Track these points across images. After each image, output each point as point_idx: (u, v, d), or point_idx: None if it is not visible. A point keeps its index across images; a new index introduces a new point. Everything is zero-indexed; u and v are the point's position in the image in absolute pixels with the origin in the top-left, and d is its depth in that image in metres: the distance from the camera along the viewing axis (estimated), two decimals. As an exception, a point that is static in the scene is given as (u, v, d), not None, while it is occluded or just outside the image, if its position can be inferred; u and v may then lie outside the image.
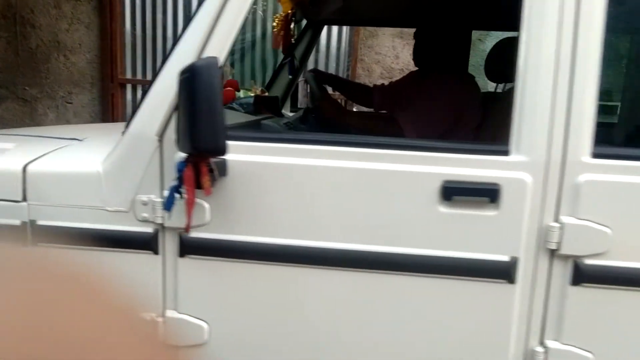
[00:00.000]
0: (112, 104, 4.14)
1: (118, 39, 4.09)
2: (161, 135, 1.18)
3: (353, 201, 1.15)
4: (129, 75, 4.21)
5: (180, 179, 1.10)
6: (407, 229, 1.15)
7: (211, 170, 1.10)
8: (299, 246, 1.16)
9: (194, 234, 1.19)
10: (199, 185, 1.08)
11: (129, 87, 4.24)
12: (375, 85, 2.18)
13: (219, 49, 1.15)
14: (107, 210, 1.21)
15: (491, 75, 1.73)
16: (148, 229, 1.21)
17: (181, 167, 1.09)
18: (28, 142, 1.49)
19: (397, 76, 4.29)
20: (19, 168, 1.23)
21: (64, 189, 1.22)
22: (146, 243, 1.21)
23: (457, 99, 1.69)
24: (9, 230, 1.23)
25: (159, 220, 1.19)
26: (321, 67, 4.22)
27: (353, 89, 2.28)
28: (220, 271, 1.21)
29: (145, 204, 1.20)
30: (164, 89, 1.17)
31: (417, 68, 1.93)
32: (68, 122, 4.08)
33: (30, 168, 1.23)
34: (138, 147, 1.19)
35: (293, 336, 1.23)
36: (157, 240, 1.21)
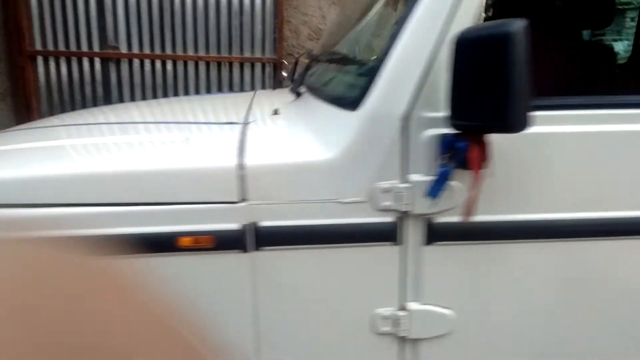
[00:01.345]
0: (23, 78, 3.81)
1: (23, 8, 3.71)
2: (406, 115, 1.04)
3: None
4: (39, 47, 3.86)
5: (459, 161, 0.97)
6: None
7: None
8: (585, 219, 1.09)
9: (444, 218, 1.08)
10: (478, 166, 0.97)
11: (40, 60, 3.88)
12: None
13: (472, 13, 1.00)
14: (342, 203, 1.07)
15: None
16: (388, 219, 1.09)
17: (462, 146, 0.96)
18: (185, 130, 1.28)
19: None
20: (232, 165, 1.06)
21: (291, 183, 1.06)
22: (386, 234, 1.09)
23: None
24: (223, 236, 1.07)
25: (404, 208, 1.07)
26: (246, 30, 4.05)
27: None
28: (471, 256, 1.12)
29: (387, 191, 1.07)
30: (406, 64, 1.02)
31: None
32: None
33: (248, 163, 1.05)
34: (377, 130, 1.04)
35: (557, 319, 1.17)
36: (399, 230, 1.09)
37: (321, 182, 1.06)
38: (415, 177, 1.06)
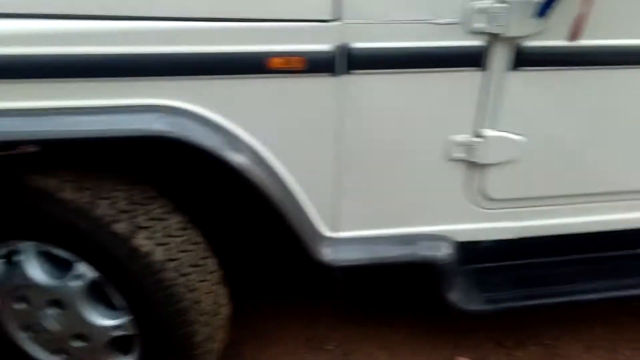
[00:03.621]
0: None
1: None
2: None
3: None
4: None
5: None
6: None
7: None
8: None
9: (534, 42, 1.07)
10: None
11: None
12: None
13: None
14: (436, 24, 1.04)
15: None
16: (478, 42, 1.07)
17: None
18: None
19: None
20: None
21: (387, 1, 1.01)
22: (473, 58, 1.08)
23: None
24: (314, 57, 1.03)
25: (497, 30, 1.05)
26: None
27: None
28: (555, 82, 1.13)
29: (482, 12, 1.03)
30: None
31: None
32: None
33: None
34: None
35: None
36: (487, 54, 1.08)
37: (419, 0, 1.02)
38: None
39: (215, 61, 1.01)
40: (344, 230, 1.28)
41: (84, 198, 1.07)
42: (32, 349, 1.32)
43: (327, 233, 1.27)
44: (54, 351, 1.30)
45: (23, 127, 1.00)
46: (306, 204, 1.22)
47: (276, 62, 1.02)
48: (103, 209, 1.07)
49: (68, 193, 1.07)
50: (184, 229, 1.19)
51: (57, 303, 1.19)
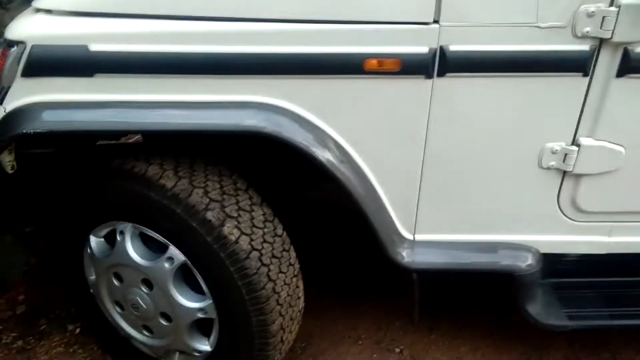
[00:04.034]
0: None
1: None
2: None
3: None
4: None
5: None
6: None
7: None
8: None
9: (643, 49, 1.02)
10: None
11: None
12: None
13: None
14: (539, 27, 1.01)
15: None
16: (584, 47, 1.03)
17: None
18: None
19: None
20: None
21: (489, 2, 1.00)
22: (578, 63, 1.04)
23: None
24: (410, 59, 1.03)
25: (605, 35, 1.00)
26: None
27: None
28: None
29: (591, 15, 0.99)
30: None
31: None
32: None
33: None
34: None
35: None
36: (593, 60, 1.04)
37: (522, 3, 0.99)
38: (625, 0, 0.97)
39: (313, 61, 1.03)
40: (423, 233, 1.27)
41: (181, 185, 1.13)
42: (123, 324, 1.42)
43: (407, 235, 1.27)
44: (141, 327, 1.39)
45: (130, 118, 1.07)
46: (387, 205, 1.22)
47: (372, 64, 1.03)
48: (197, 196, 1.13)
49: (167, 180, 1.14)
50: (268, 221, 1.24)
51: (148, 283, 1.27)
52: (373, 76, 1.05)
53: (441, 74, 1.05)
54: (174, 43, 1.03)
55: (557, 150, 1.14)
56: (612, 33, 1.00)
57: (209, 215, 1.13)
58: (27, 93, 1.06)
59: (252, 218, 1.20)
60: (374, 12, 1.01)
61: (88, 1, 1.04)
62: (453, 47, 1.02)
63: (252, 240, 1.18)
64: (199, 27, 1.02)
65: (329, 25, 1.02)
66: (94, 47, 1.02)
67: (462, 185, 1.21)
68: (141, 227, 1.22)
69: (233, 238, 1.15)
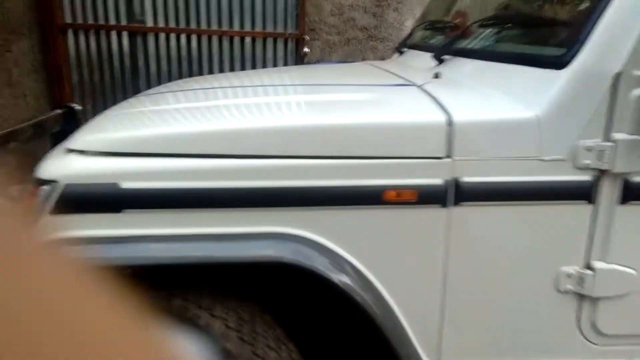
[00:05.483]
0: (54, 50, 3.88)
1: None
2: (619, 73, 1.04)
3: None
4: (69, 20, 3.94)
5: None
6: None
7: None
8: None
9: (643, 177, 1.10)
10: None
11: (70, 33, 3.96)
12: None
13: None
14: (542, 160, 1.09)
15: None
16: (586, 177, 1.11)
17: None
18: (362, 91, 1.30)
19: (348, 13, 4.09)
20: (442, 120, 1.08)
21: (495, 139, 1.08)
22: (582, 192, 1.11)
23: None
24: (426, 190, 1.09)
25: (604, 167, 1.09)
26: (269, 6, 4.04)
27: None
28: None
29: (589, 149, 1.08)
30: (623, 19, 1.03)
31: None
32: (10, 70, 3.46)
33: (456, 120, 1.07)
34: (586, 88, 1.06)
35: None
36: (595, 189, 1.11)
37: (525, 139, 1.08)
38: (619, 135, 1.07)
39: (335, 194, 1.08)
40: (444, 357, 1.24)
41: (203, 319, 1.11)
42: None
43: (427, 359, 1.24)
44: None
45: (149, 252, 1.08)
46: (408, 329, 1.20)
47: (391, 195, 1.08)
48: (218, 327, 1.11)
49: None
50: (283, 344, 1.20)
51: None
52: (391, 206, 1.10)
53: (456, 203, 1.10)
54: (198, 180, 1.08)
55: (572, 273, 1.17)
56: (611, 165, 1.08)
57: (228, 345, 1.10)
58: (51, 230, 1.08)
59: (267, 341, 1.16)
60: (395, 149, 1.08)
61: (118, 143, 1.11)
62: (465, 179, 1.09)
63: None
64: (222, 164, 1.08)
65: (351, 160, 1.09)
66: (125, 184, 1.06)
67: (483, 310, 1.21)
68: None
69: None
